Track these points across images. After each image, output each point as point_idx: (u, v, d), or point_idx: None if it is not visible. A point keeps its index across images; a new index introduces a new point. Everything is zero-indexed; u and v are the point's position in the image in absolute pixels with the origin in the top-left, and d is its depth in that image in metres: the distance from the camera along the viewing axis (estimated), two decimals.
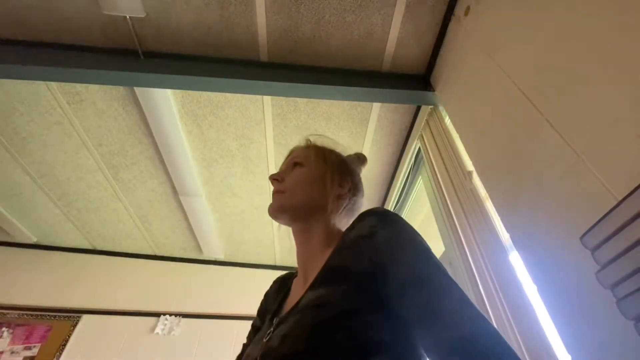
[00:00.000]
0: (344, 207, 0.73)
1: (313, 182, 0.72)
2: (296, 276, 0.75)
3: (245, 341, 0.77)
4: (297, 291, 0.68)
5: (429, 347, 0.46)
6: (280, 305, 0.70)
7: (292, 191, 0.71)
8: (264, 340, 0.56)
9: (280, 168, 0.79)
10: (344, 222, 0.73)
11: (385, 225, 0.57)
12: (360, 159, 0.87)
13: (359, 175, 0.81)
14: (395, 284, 0.50)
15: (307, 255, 0.69)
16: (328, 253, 0.62)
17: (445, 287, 0.49)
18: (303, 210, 0.69)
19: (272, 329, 0.57)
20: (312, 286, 0.56)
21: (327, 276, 0.56)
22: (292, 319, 0.53)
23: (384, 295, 0.50)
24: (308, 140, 0.83)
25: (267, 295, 0.82)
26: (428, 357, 0.49)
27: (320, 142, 0.82)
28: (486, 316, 0.47)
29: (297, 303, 0.56)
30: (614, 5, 0.77)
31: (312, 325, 0.48)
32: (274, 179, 0.74)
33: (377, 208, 0.62)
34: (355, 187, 0.77)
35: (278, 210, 0.70)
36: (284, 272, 0.85)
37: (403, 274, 0.50)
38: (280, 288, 0.78)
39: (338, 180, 0.74)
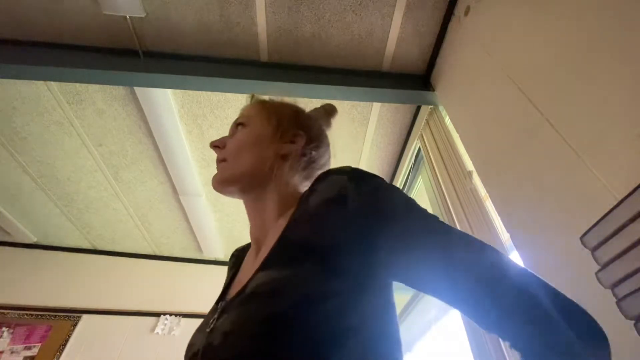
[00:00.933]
0: (300, 167, 0.62)
1: (257, 142, 0.60)
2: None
3: None
4: (247, 268, 0.57)
5: (454, 299, 0.42)
6: (229, 285, 0.60)
7: (234, 158, 0.60)
8: (207, 330, 0.47)
9: (213, 141, 0.66)
10: (304, 184, 0.62)
11: (360, 184, 0.47)
12: (327, 110, 0.74)
13: (320, 128, 0.69)
14: (392, 248, 0.43)
15: (259, 226, 0.58)
16: (283, 223, 0.50)
17: (449, 234, 0.44)
18: (250, 177, 0.58)
19: (215, 316, 0.48)
20: (264, 266, 0.45)
21: (284, 254, 0.45)
22: (236, 310, 0.43)
23: (370, 266, 0.43)
24: (252, 96, 0.71)
25: (227, 273, 0.69)
26: (457, 307, 0.42)
27: (268, 97, 0.70)
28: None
29: (245, 287, 0.45)
30: (614, 6, 0.77)
31: (261, 321, 0.38)
32: (214, 146, 0.63)
33: (342, 167, 0.51)
34: (314, 142, 0.64)
35: (221, 183, 0.59)
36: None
37: (402, 234, 0.44)
38: (235, 263, 0.67)
39: (290, 135, 0.62)
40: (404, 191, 2.34)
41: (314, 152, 0.64)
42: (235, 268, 0.65)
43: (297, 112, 0.68)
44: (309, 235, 0.45)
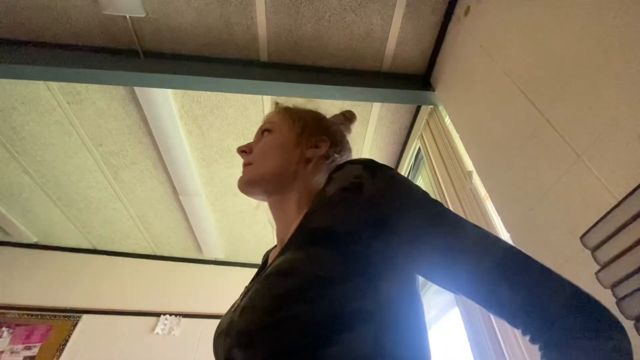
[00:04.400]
0: (323, 170, 0.64)
1: (282, 147, 0.63)
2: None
3: None
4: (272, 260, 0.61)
5: (465, 286, 0.42)
6: (257, 276, 0.63)
7: (260, 161, 0.63)
8: (232, 310, 0.51)
9: (240, 147, 0.69)
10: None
11: (374, 173, 0.48)
12: (347, 117, 0.77)
13: (342, 133, 0.72)
14: (407, 234, 0.44)
15: (284, 225, 0.61)
16: (302, 214, 0.53)
17: (458, 222, 0.45)
18: (274, 179, 0.61)
19: (240, 297, 0.52)
20: (283, 251, 0.48)
21: (301, 239, 0.47)
22: (255, 287, 0.46)
23: (384, 253, 0.44)
24: (276, 103, 0.74)
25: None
26: (468, 296, 0.42)
27: (292, 104, 0.73)
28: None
29: (265, 270, 0.49)
30: (614, 6, 0.77)
31: (274, 295, 0.41)
32: (241, 150, 0.66)
33: (358, 158, 0.53)
34: (336, 147, 0.67)
35: (247, 184, 0.61)
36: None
37: (415, 220, 0.44)
38: (263, 263, 0.71)
39: (313, 141, 0.65)
40: None
41: (337, 155, 0.67)
42: (263, 265, 0.68)
43: (320, 118, 0.71)
44: (325, 221, 0.47)
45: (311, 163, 0.63)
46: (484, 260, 0.41)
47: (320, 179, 0.63)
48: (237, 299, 0.56)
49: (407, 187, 0.48)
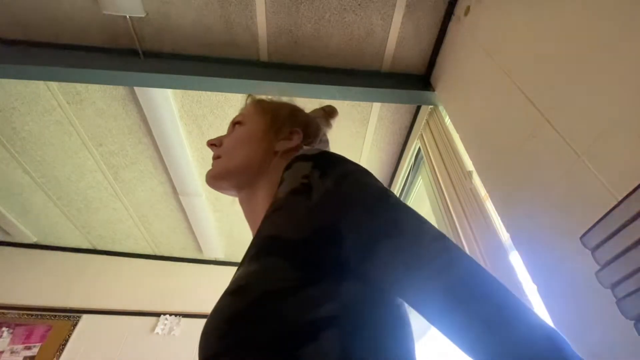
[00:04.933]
0: None
1: (251, 139, 0.60)
2: None
3: None
4: None
5: (419, 302, 0.37)
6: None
7: (228, 154, 0.60)
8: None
9: (210, 140, 0.67)
10: None
11: (324, 172, 0.44)
12: (326, 111, 0.74)
13: (317, 126, 0.68)
14: (357, 244, 0.40)
15: (252, 223, 0.58)
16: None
17: (417, 231, 0.39)
18: (241, 172, 0.58)
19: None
20: (241, 263, 0.45)
21: (254, 250, 0.44)
22: (214, 307, 0.42)
23: (337, 261, 0.40)
24: (249, 95, 0.71)
25: None
26: (420, 311, 0.38)
27: (267, 97, 0.70)
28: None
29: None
30: (614, 6, 0.77)
31: (226, 319, 0.37)
32: (211, 144, 0.64)
33: (308, 150, 0.49)
34: (310, 140, 0.64)
35: (214, 178, 0.59)
36: None
37: (365, 230, 0.40)
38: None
39: (286, 133, 0.62)
40: (404, 191, 2.32)
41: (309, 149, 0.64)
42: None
43: (293, 110, 0.68)
44: (275, 229, 0.44)
45: (279, 155, 0.60)
46: (440, 279, 0.35)
47: None
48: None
49: (358, 189, 0.43)
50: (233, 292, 0.40)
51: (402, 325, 0.41)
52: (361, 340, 0.37)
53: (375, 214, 0.41)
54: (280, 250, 0.41)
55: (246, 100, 0.71)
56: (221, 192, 0.61)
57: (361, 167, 0.46)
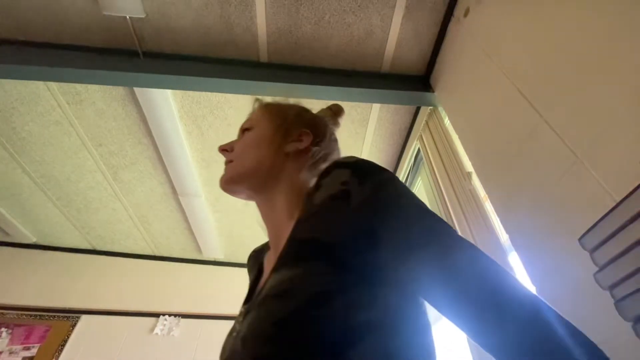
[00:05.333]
0: (308, 164, 0.62)
1: (261, 142, 0.61)
2: (269, 249, 0.65)
3: None
4: (268, 270, 0.59)
5: (452, 308, 0.39)
6: (254, 287, 0.61)
7: (240, 158, 0.61)
8: (234, 334, 0.49)
9: (221, 146, 0.68)
10: (313, 182, 0.59)
11: (362, 179, 0.46)
12: (333, 110, 0.75)
13: (326, 126, 0.68)
14: (394, 249, 0.42)
15: (274, 226, 0.59)
16: (293, 223, 0.50)
17: (453, 239, 0.42)
18: (254, 176, 0.59)
19: (241, 319, 0.50)
20: (276, 267, 0.45)
21: (292, 254, 0.45)
22: (252, 313, 0.43)
23: (375, 265, 0.42)
24: (256, 99, 0.72)
25: (248, 274, 0.72)
26: (452, 319, 0.40)
27: (274, 100, 0.72)
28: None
29: (262, 289, 0.47)
30: (612, 8, 0.77)
31: (274, 322, 0.38)
32: (223, 149, 0.65)
33: (345, 158, 0.51)
34: (319, 139, 0.64)
35: (227, 182, 0.60)
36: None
37: (402, 235, 0.42)
38: (253, 265, 0.68)
39: (295, 134, 0.63)
40: None
41: (320, 149, 0.64)
42: (255, 269, 0.65)
43: (301, 111, 0.68)
44: (314, 233, 0.45)
45: (291, 157, 0.61)
46: (474, 284, 0.38)
47: (306, 176, 0.61)
48: (236, 321, 0.53)
49: (396, 197, 0.45)
50: (278, 296, 0.41)
51: (427, 321, 0.45)
52: (400, 342, 0.40)
53: (411, 222, 0.43)
54: (321, 254, 0.42)
55: (253, 105, 0.72)
56: (236, 197, 0.63)
57: (396, 176, 0.48)
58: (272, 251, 0.60)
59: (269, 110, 0.67)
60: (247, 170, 0.60)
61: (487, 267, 0.40)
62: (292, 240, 0.47)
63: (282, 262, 0.45)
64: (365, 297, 0.40)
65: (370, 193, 0.45)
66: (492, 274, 0.39)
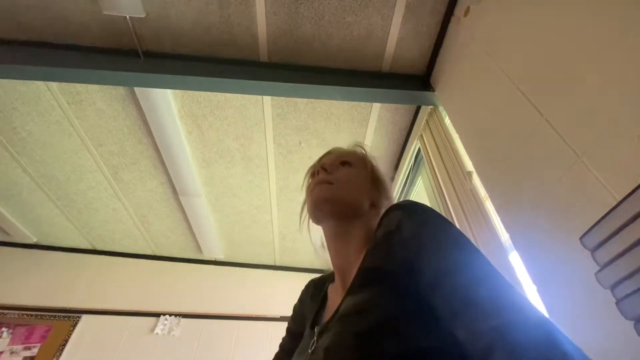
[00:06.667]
0: (378, 216, 0.69)
1: (362, 185, 0.70)
2: (332, 282, 0.73)
3: (280, 342, 0.80)
4: (335, 298, 0.65)
5: (466, 342, 0.40)
6: (319, 313, 0.68)
7: (343, 186, 0.67)
8: (309, 351, 0.56)
9: (321, 163, 0.74)
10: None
11: (410, 217, 0.54)
12: (389, 178, 0.85)
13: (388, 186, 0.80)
14: (425, 279, 0.47)
15: (344, 258, 0.65)
16: (362, 256, 0.59)
17: (480, 274, 0.44)
18: (350, 208, 0.66)
19: (314, 339, 0.57)
20: (350, 291, 0.54)
21: (363, 279, 0.54)
22: (333, 329, 0.51)
23: (419, 292, 0.47)
24: (358, 145, 0.83)
25: (301, 300, 0.80)
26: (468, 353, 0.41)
27: (367, 150, 0.83)
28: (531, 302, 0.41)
29: (337, 310, 0.54)
30: (614, 7, 0.77)
31: (355, 333, 0.46)
32: (323, 168, 0.71)
33: (403, 201, 0.59)
34: (389, 200, 0.75)
35: (328, 200, 0.66)
36: (317, 275, 0.83)
37: (432, 266, 0.47)
38: (315, 294, 0.76)
39: (380, 189, 0.73)
40: (404, 192, 2.31)
41: (387, 203, 0.74)
42: (319, 298, 0.73)
43: (383, 176, 0.79)
44: (378, 262, 0.54)
45: (376, 207, 0.70)
46: (488, 319, 0.39)
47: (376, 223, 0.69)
48: (306, 340, 0.62)
49: (435, 233, 0.51)
50: (357, 313, 0.49)
51: None
52: None
53: (444, 255, 0.48)
54: (384, 280, 0.51)
55: (354, 146, 0.82)
56: (319, 216, 0.68)
57: (442, 217, 0.55)
58: (339, 279, 0.67)
59: (367, 162, 0.77)
60: (346, 199, 0.67)
61: (505, 304, 0.40)
62: (362, 269, 0.56)
63: (356, 287, 0.54)
64: (424, 324, 0.45)
65: (417, 228, 0.52)
66: (507, 311, 0.39)
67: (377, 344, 0.43)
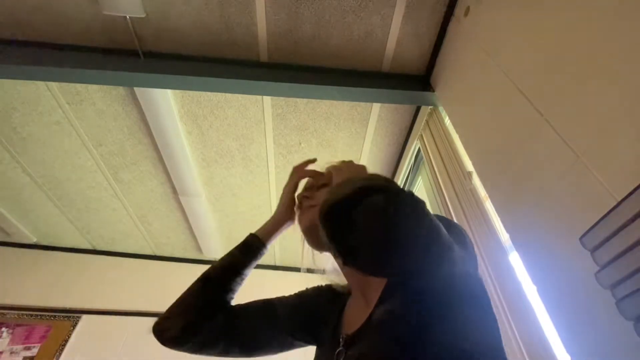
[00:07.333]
0: None
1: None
2: (349, 295, 0.73)
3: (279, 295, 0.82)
4: (357, 310, 0.65)
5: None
6: (339, 320, 0.68)
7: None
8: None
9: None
10: None
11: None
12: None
13: None
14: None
15: (362, 276, 0.65)
16: None
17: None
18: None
19: (341, 348, 0.56)
20: (382, 300, 0.54)
21: (391, 288, 0.54)
22: (369, 338, 0.52)
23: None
24: (330, 163, 0.84)
25: (318, 295, 0.80)
26: None
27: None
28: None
29: (369, 319, 0.54)
30: (613, 7, 0.77)
31: (396, 341, 0.47)
32: (304, 197, 0.75)
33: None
34: None
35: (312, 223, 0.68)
36: (329, 284, 0.82)
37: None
38: (333, 300, 0.76)
39: None
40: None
41: None
42: (337, 306, 0.72)
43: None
44: (399, 268, 0.54)
45: None
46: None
47: None
48: (329, 352, 0.61)
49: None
50: (391, 320, 0.50)
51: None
52: None
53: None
54: (408, 282, 0.52)
55: (327, 165, 0.81)
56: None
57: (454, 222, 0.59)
58: (359, 294, 0.66)
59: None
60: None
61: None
62: (389, 280, 0.56)
63: (387, 296, 0.54)
64: (459, 325, 0.47)
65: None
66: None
67: (419, 347, 0.44)
